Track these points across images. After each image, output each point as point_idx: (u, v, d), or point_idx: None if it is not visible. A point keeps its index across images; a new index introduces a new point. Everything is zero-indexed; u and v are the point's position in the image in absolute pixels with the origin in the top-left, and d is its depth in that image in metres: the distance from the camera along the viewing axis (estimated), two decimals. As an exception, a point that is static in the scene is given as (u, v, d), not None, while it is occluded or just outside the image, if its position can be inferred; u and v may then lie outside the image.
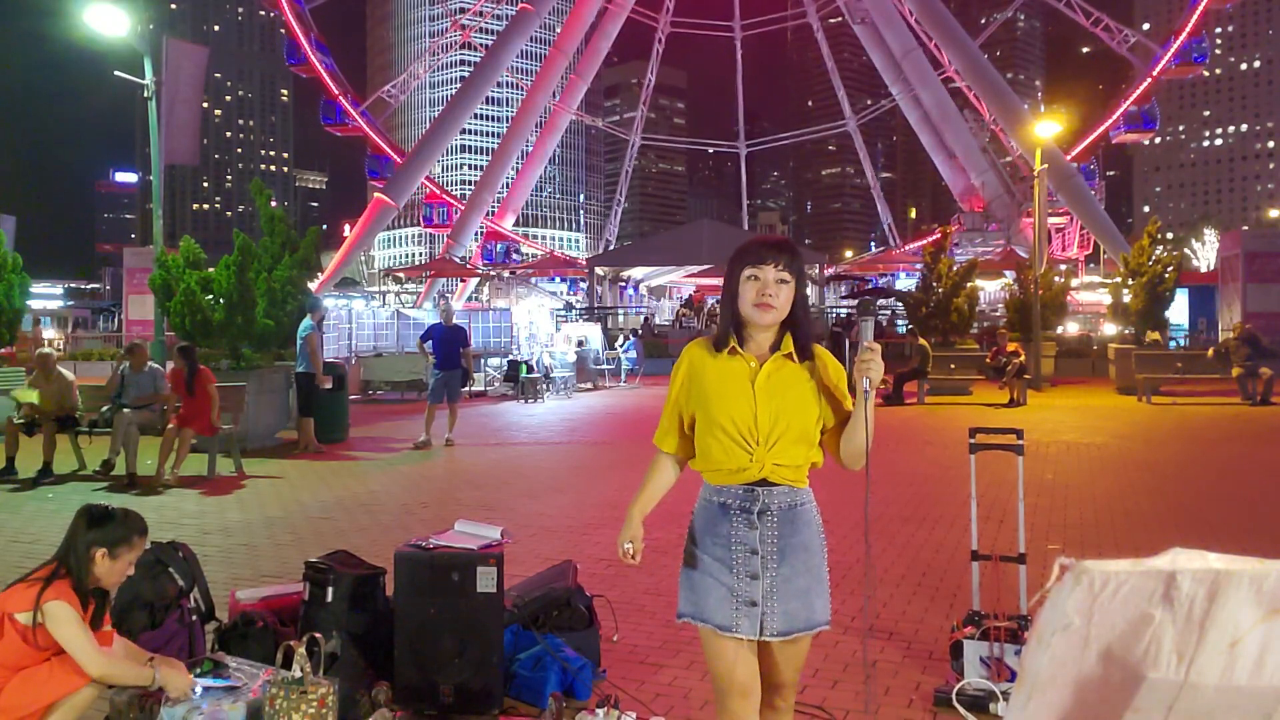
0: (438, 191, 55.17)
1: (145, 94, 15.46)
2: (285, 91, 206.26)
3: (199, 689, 3.39)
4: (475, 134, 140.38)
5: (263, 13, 46.54)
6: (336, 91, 49.10)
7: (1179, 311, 26.49)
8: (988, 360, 18.00)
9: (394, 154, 51.68)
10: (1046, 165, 25.88)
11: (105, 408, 9.90)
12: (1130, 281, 21.11)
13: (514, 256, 52.56)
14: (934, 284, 22.64)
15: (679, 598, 2.54)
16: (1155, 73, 46.03)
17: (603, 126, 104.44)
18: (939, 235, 26.35)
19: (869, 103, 61.18)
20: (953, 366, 18.59)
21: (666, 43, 61.19)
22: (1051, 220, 44.79)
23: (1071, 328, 30.36)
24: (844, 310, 40.88)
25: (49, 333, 39.44)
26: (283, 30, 48.77)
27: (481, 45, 59.04)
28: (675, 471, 2.67)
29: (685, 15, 60.45)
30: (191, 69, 16.84)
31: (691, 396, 2.54)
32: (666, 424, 2.63)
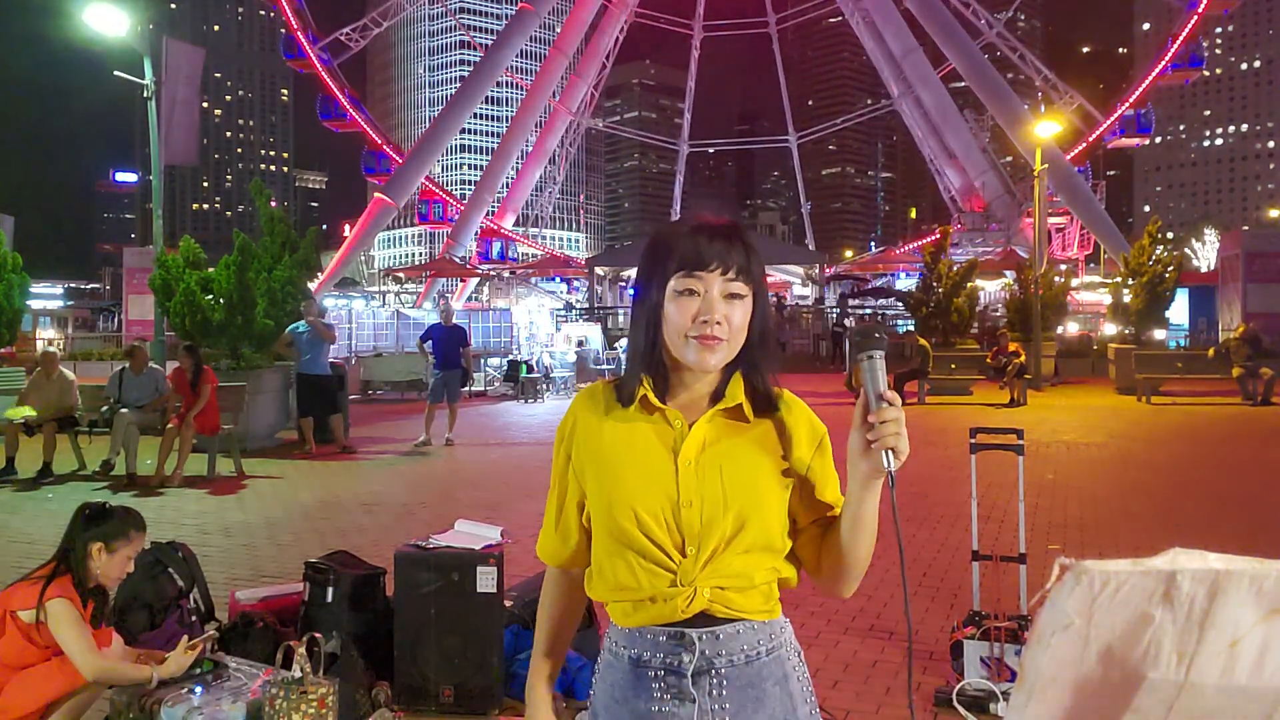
0: (434, 189, 55.38)
1: (145, 94, 15.46)
2: (285, 91, 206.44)
3: (198, 689, 3.40)
4: (475, 134, 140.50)
5: (280, 37, 47.44)
6: (380, 141, 50.95)
7: (1179, 311, 26.49)
8: (988, 360, 18.01)
9: (442, 194, 53.82)
10: (1047, 165, 25.88)
11: (105, 408, 9.91)
12: (1130, 281, 21.11)
13: (511, 256, 53.10)
14: (934, 284, 22.65)
15: None
16: (1091, 139, 47.22)
17: (603, 127, 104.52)
18: (939, 235, 26.35)
19: (869, 102, 60.98)
20: (953, 366, 18.59)
21: (659, 41, 61.37)
22: (1051, 220, 44.75)
23: (1071, 328, 30.36)
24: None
25: (48, 333, 39.42)
26: (317, 90, 50.18)
27: (481, 45, 59.15)
28: (574, 592, 1.72)
29: (662, 13, 60.42)
30: (190, 70, 16.86)
31: (586, 479, 1.58)
32: (548, 521, 1.67)
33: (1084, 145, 47.17)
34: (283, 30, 47.98)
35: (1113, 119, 46.82)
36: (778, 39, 61.57)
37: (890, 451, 1.37)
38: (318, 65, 47.39)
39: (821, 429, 1.58)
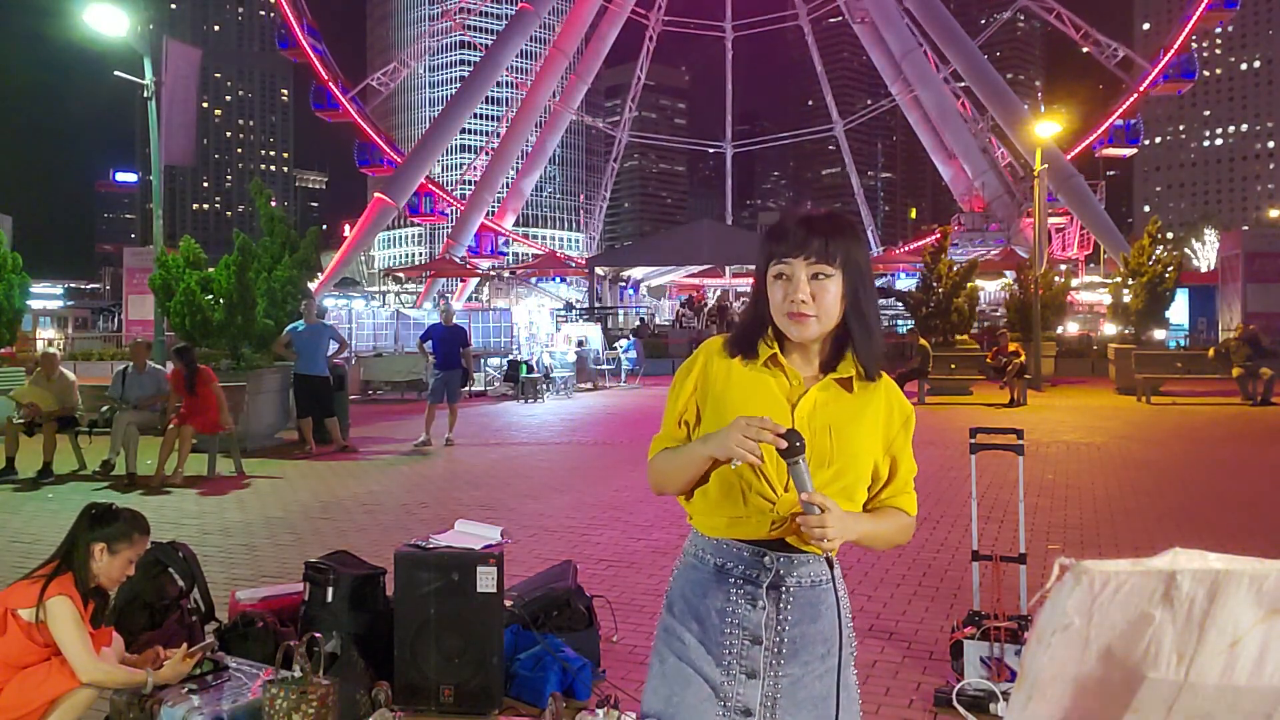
0: (433, 189, 55.41)
1: (145, 94, 15.46)
2: (285, 91, 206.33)
3: (198, 690, 3.40)
4: (475, 134, 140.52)
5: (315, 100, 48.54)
6: (423, 182, 51.58)
7: (1179, 311, 26.49)
8: (988, 360, 18.01)
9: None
10: (1047, 165, 25.89)
11: (105, 408, 9.91)
12: (1130, 281, 21.11)
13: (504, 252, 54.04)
14: (934, 284, 22.66)
15: (645, 689, 1.85)
16: (1142, 89, 47.49)
17: (602, 127, 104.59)
18: (939, 235, 26.36)
19: (869, 102, 60.93)
20: (953, 366, 18.59)
21: (661, 40, 61.44)
22: (1051, 220, 44.79)
23: (1071, 328, 30.36)
24: None
25: (48, 333, 39.44)
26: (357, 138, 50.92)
27: (481, 45, 59.22)
28: None
29: (679, 14, 60.54)
30: (188, 70, 16.85)
31: (705, 409, 1.83)
32: (665, 431, 1.90)
33: (1134, 96, 47.49)
34: (313, 82, 48.61)
35: (1160, 66, 47.05)
36: (810, 30, 61.27)
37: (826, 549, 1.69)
38: (354, 115, 48.30)
39: (909, 409, 1.88)
